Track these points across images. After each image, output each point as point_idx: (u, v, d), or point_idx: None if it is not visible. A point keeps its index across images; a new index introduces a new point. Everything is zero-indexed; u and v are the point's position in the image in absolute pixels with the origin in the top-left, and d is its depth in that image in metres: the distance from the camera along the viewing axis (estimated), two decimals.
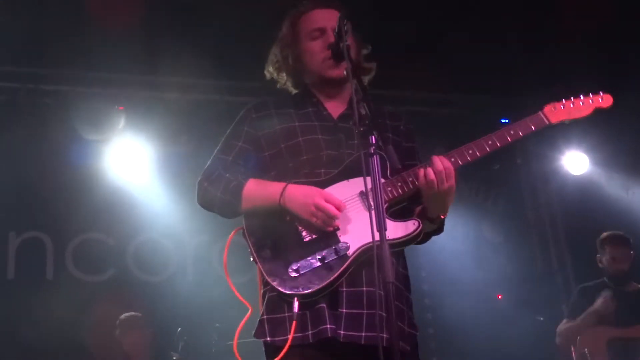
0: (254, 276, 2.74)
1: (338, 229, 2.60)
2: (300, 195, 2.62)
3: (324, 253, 2.57)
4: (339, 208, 2.59)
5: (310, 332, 2.51)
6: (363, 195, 2.64)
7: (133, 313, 6.21)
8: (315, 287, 2.52)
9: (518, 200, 8.34)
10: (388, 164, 2.61)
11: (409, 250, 2.72)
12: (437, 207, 2.68)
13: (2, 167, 6.46)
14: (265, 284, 2.66)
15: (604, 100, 2.79)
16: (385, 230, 2.24)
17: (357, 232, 2.59)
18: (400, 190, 2.65)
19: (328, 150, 2.78)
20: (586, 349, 5.36)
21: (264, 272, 2.61)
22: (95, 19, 5.70)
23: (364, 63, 2.99)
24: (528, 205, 8.44)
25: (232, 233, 2.76)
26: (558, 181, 8.06)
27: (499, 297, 7.85)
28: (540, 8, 6.15)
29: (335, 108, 2.91)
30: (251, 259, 2.67)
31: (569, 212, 8.01)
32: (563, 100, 2.77)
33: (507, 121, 7.53)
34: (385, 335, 2.39)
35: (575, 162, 7.73)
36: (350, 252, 2.56)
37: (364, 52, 2.99)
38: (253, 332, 2.64)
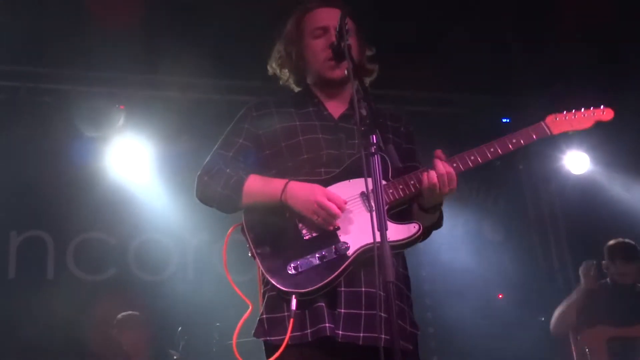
0: (254, 276, 2.74)
1: (338, 228, 2.61)
2: (302, 192, 2.62)
3: (323, 252, 2.57)
4: (340, 207, 2.59)
5: (309, 330, 2.52)
6: (364, 196, 2.64)
7: (130, 312, 6.19)
8: (314, 286, 2.52)
9: (519, 199, 8.33)
10: (389, 164, 2.62)
11: (409, 249, 2.72)
12: (434, 202, 2.70)
13: (3, 167, 6.47)
14: (266, 283, 2.66)
15: (605, 113, 2.86)
16: (386, 230, 2.24)
17: (357, 233, 2.59)
18: (401, 193, 2.66)
19: (328, 149, 2.78)
20: (586, 348, 5.36)
21: (262, 269, 2.61)
22: (96, 18, 5.71)
23: (367, 64, 2.99)
24: (529, 205, 8.43)
25: (230, 229, 2.76)
26: (559, 181, 8.05)
27: (500, 296, 7.85)
28: (540, 8, 6.15)
29: (336, 108, 2.91)
30: (249, 254, 2.67)
31: (569, 211, 8.00)
32: (564, 111, 2.84)
33: (507, 121, 7.55)
34: (384, 336, 2.39)
35: (576, 161, 7.73)
36: (350, 252, 2.56)
37: (368, 53, 3.00)
38: (253, 331, 2.65)
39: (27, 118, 6.59)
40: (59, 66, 6.55)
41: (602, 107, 2.87)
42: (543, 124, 2.81)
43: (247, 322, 2.67)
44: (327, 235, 2.60)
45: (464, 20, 6.19)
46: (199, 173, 2.84)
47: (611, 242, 5.71)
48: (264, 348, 2.66)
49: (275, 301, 2.60)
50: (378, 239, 2.24)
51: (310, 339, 2.51)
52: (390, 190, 2.65)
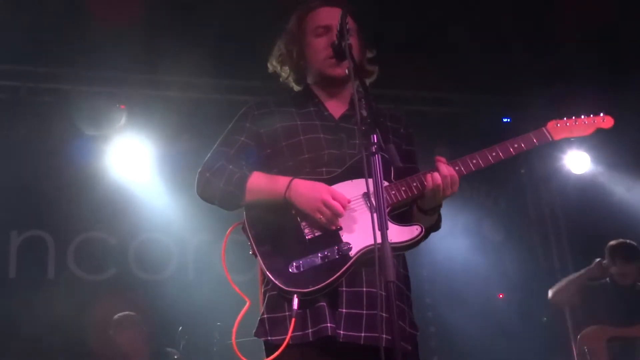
0: (254, 275, 2.74)
1: (341, 228, 2.61)
2: (307, 190, 2.62)
3: (326, 252, 2.57)
4: (344, 206, 2.59)
5: (310, 330, 2.51)
6: (366, 196, 2.64)
7: (126, 313, 6.19)
8: (317, 286, 2.52)
9: (519, 199, 8.33)
10: (391, 164, 2.62)
11: None
12: (434, 204, 2.71)
13: (3, 167, 6.47)
14: (266, 283, 2.65)
15: (605, 121, 2.91)
16: (387, 229, 2.24)
17: (360, 233, 2.59)
18: (404, 195, 2.66)
19: (330, 149, 2.77)
20: (586, 348, 5.37)
21: (264, 267, 2.60)
22: (96, 18, 5.72)
23: (367, 65, 2.99)
24: (529, 205, 8.43)
25: (230, 228, 2.75)
26: (560, 180, 8.06)
27: (500, 296, 7.85)
28: (540, 8, 6.15)
29: (336, 108, 2.91)
30: (250, 252, 2.66)
31: (570, 211, 8.00)
32: (565, 117, 2.88)
33: (508, 120, 7.55)
34: (385, 336, 2.39)
35: (577, 161, 7.74)
36: (352, 252, 2.56)
37: (369, 55, 3.00)
38: (253, 331, 2.64)
39: (27, 118, 6.60)
40: (59, 66, 6.56)
41: (602, 114, 2.91)
42: (544, 129, 2.85)
43: (247, 321, 2.66)
44: (330, 234, 2.60)
45: (464, 20, 6.20)
46: (200, 169, 2.82)
47: (612, 242, 5.76)
48: (264, 348, 2.65)
49: (276, 301, 2.60)
50: (379, 239, 2.23)
51: (311, 339, 2.50)
52: (393, 192, 2.65)
